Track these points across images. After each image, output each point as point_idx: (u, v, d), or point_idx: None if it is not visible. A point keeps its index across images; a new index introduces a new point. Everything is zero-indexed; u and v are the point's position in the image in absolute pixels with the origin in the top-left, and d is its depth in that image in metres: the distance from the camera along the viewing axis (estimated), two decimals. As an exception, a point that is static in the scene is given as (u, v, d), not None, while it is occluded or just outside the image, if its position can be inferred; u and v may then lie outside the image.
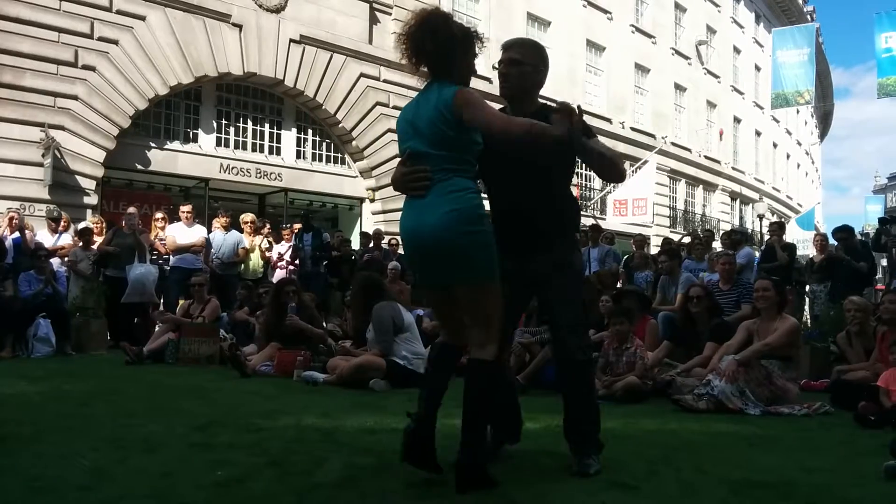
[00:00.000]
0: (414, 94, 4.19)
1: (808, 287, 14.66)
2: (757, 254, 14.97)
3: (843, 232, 13.24)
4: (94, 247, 12.75)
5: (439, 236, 3.69)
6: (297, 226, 15.79)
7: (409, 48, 3.94)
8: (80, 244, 12.63)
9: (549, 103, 4.21)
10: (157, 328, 11.18)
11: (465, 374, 3.83)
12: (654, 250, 18.55)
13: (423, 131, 3.81)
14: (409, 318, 8.42)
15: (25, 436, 4.78)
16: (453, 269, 3.75)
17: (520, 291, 4.25)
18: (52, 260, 12.01)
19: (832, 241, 14.11)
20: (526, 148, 3.86)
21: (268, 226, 15.64)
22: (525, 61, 4.22)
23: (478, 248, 3.71)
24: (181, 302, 12.21)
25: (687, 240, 16.13)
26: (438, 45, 3.84)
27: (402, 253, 3.93)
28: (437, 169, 3.76)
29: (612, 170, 4.30)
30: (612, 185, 27.79)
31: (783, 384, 6.92)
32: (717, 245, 16.36)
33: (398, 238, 17.88)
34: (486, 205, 3.91)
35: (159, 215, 14.28)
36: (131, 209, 13.48)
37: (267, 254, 14.79)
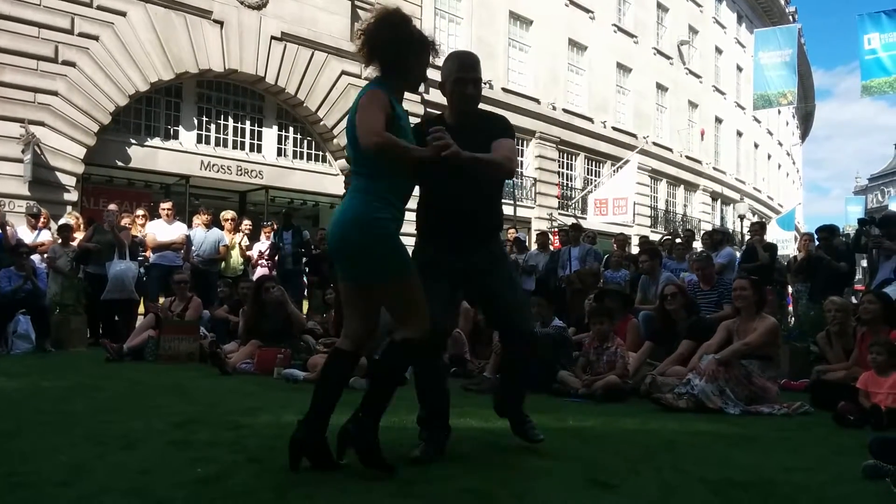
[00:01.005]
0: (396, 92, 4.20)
1: (790, 288, 14.72)
2: (738, 254, 15.00)
3: (825, 231, 13.28)
4: (74, 244, 12.66)
5: (346, 238, 3.85)
6: (275, 225, 15.78)
7: (365, 41, 4.00)
8: (59, 241, 12.54)
9: (482, 110, 4.62)
10: (137, 325, 11.13)
11: (386, 354, 4.08)
12: (635, 250, 18.58)
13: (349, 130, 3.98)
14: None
15: (4, 432, 4.76)
16: (365, 271, 3.91)
17: (458, 286, 4.55)
18: (32, 256, 11.92)
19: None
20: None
21: (247, 223, 15.56)
22: (483, 80, 4.51)
23: (382, 248, 3.82)
24: (162, 299, 12.17)
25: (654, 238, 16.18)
26: (393, 42, 3.94)
27: None
28: (352, 171, 3.97)
29: (495, 170, 4.36)
30: (593, 185, 27.91)
31: (763, 384, 6.94)
32: (697, 245, 16.42)
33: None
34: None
35: (140, 212, 14.19)
36: (112, 206, 13.41)
37: (248, 252, 14.73)
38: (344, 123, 21.02)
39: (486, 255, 4.47)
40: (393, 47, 3.95)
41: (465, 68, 4.41)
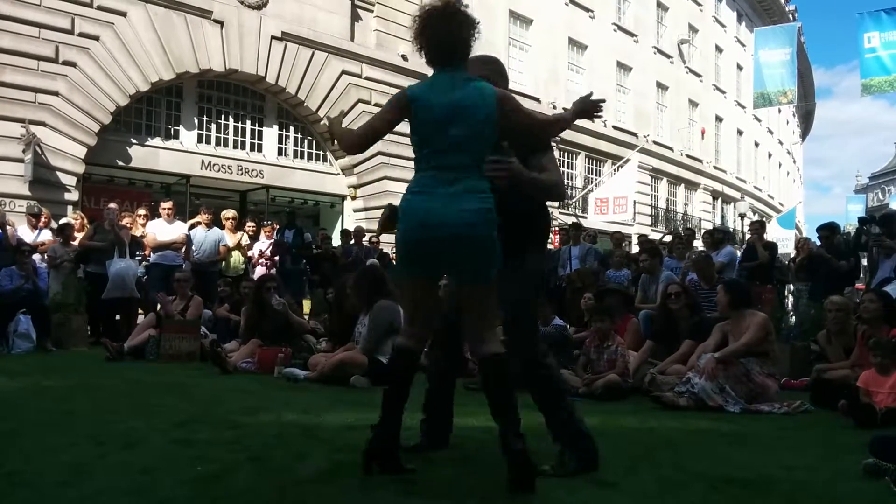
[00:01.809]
0: (396, 91, 4.19)
1: (791, 286, 14.70)
2: (739, 253, 14.99)
3: (826, 230, 13.25)
4: (75, 243, 12.67)
5: (471, 231, 3.69)
6: (276, 225, 15.81)
7: (430, 35, 3.87)
8: (60, 240, 12.54)
9: None
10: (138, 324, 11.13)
11: (487, 369, 3.88)
12: (635, 249, 18.60)
13: (465, 122, 3.76)
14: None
15: (5, 431, 4.76)
16: (476, 267, 3.78)
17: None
18: (33, 256, 11.92)
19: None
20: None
21: (250, 224, 15.59)
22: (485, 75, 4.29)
23: (496, 251, 3.76)
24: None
25: (667, 238, 16.18)
26: (467, 35, 3.87)
27: (402, 241, 3.74)
28: (470, 164, 3.76)
29: (548, 194, 4.30)
30: (594, 184, 27.95)
31: (762, 381, 6.95)
32: (698, 244, 16.41)
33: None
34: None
35: (141, 212, 14.20)
36: (112, 204, 13.41)
37: (249, 252, 14.74)
38: (344, 124, 21.14)
39: None
40: (468, 40, 3.91)
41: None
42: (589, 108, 4.28)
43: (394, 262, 15.95)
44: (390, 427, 3.85)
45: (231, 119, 20.59)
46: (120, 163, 18.12)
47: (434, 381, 4.62)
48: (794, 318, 12.65)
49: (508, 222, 3.84)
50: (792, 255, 16.83)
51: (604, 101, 4.27)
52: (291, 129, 21.86)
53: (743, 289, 7.76)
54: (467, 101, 3.77)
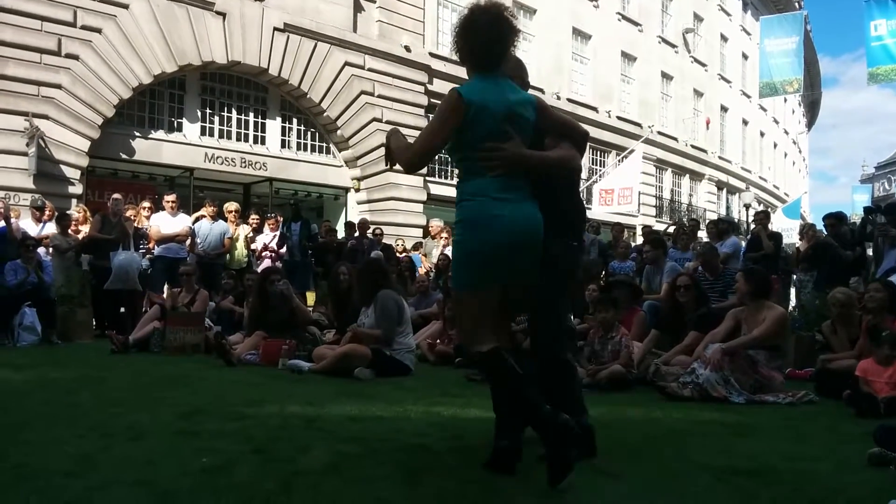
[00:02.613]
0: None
1: (794, 276, 14.67)
2: (743, 243, 14.97)
3: (833, 218, 13.23)
4: (79, 235, 12.71)
5: (538, 240, 3.81)
6: (279, 218, 15.83)
7: (479, 37, 3.84)
8: (59, 230, 12.55)
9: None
10: (143, 315, 11.16)
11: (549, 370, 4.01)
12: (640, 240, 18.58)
13: (520, 127, 3.81)
14: (409, 313, 8.48)
15: (11, 424, 4.77)
16: (534, 270, 3.86)
17: None
18: (38, 249, 11.95)
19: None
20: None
21: (254, 217, 15.61)
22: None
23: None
24: (167, 291, 12.19)
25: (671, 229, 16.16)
26: (512, 41, 3.91)
27: (478, 246, 3.56)
28: (521, 175, 3.83)
29: (560, 170, 4.18)
30: (598, 175, 27.90)
31: (768, 373, 6.95)
32: (702, 235, 16.39)
33: (382, 228, 17.93)
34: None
35: (146, 204, 14.23)
36: (116, 195, 13.42)
37: (252, 245, 14.75)
38: (347, 115, 21.23)
39: None
40: (511, 46, 3.96)
41: None
42: None
43: (408, 255, 15.96)
44: (514, 425, 3.90)
45: (234, 111, 20.57)
46: (123, 156, 18.12)
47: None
48: (798, 308, 12.65)
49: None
50: (797, 244, 16.79)
51: None
52: (294, 121, 21.83)
53: (764, 278, 7.71)
54: (520, 108, 3.81)
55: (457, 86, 3.85)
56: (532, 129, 3.85)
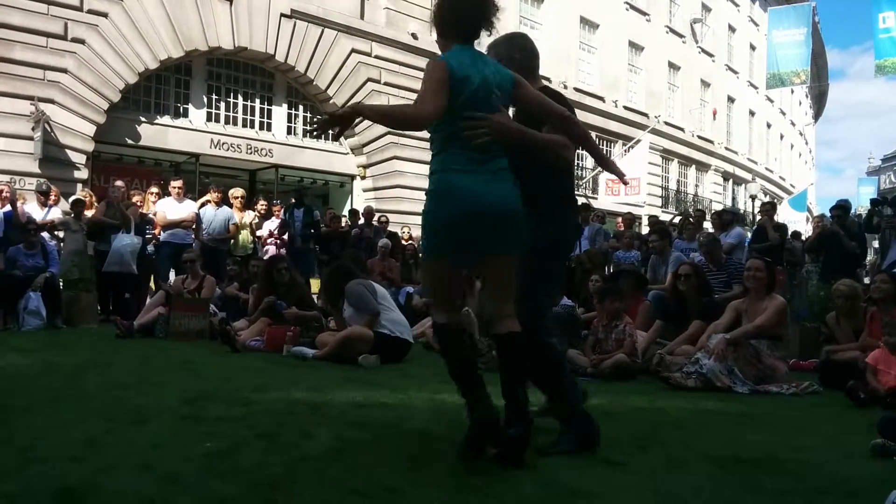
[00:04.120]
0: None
1: (804, 268, 14.67)
2: (748, 234, 14.95)
3: (839, 209, 13.21)
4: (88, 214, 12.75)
5: (517, 208, 3.79)
6: (281, 204, 15.85)
7: (459, 8, 3.87)
8: (72, 215, 12.59)
9: (549, 86, 4.43)
10: (147, 302, 11.18)
11: (503, 347, 3.89)
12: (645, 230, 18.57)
13: (495, 100, 3.81)
14: (381, 290, 8.50)
15: (17, 407, 4.79)
16: (516, 240, 3.85)
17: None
18: (42, 234, 11.96)
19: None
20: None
21: (262, 203, 15.61)
22: (498, 58, 4.22)
23: (524, 224, 3.84)
24: (173, 277, 12.20)
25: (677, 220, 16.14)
26: (492, 15, 3.88)
27: (435, 224, 3.69)
28: (494, 148, 3.82)
29: (548, 153, 4.16)
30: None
31: (772, 363, 6.95)
32: (707, 225, 16.37)
33: (388, 216, 17.89)
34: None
35: (154, 189, 14.23)
36: (118, 182, 13.43)
37: (258, 232, 14.76)
38: (353, 102, 21.15)
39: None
40: (492, 20, 3.93)
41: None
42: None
43: (413, 242, 15.95)
44: (518, 412, 3.82)
45: (240, 97, 20.58)
46: (129, 141, 18.14)
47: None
48: (803, 299, 12.63)
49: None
50: (805, 236, 16.78)
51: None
52: (301, 107, 21.81)
53: (774, 271, 7.73)
54: (497, 83, 3.80)
55: (438, 55, 3.88)
56: (508, 106, 3.89)
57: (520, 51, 4.36)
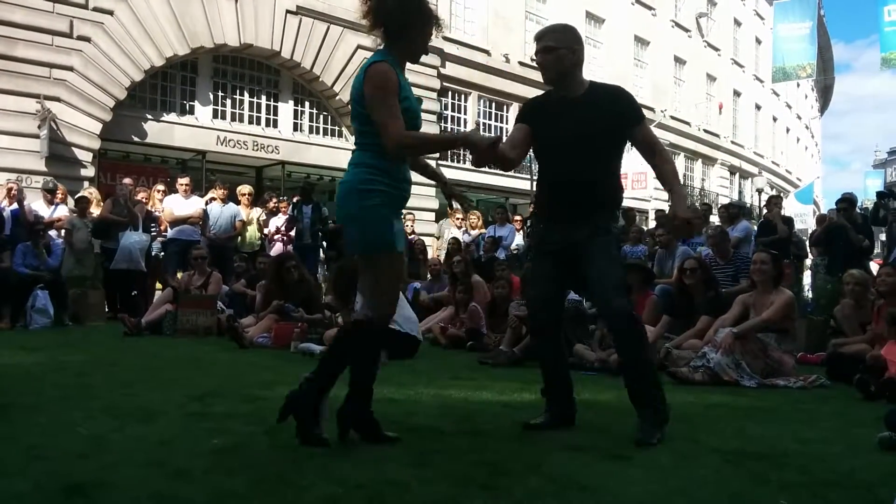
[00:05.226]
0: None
1: (810, 261, 14.64)
2: (755, 227, 14.92)
3: (845, 202, 13.18)
4: (93, 214, 12.76)
5: (340, 206, 3.96)
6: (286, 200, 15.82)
7: (371, 7, 3.99)
8: (76, 213, 12.62)
9: (597, 82, 4.65)
10: (155, 299, 11.20)
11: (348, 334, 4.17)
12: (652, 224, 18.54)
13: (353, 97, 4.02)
14: None
15: (24, 405, 4.80)
16: (350, 240, 4.03)
17: (562, 264, 4.47)
18: (49, 232, 12.00)
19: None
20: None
21: (274, 199, 15.60)
22: (559, 46, 4.42)
23: (367, 220, 3.83)
24: (180, 274, 12.22)
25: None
26: (398, 10, 3.93)
27: None
28: (358, 138, 3.99)
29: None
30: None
31: (779, 356, 6.94)
32: (714, 219, 16.34)
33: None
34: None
35: (160, 187, 14.25)
36: (126, 179, 13.46)
37: (265, 229, 14.75)
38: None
39: (588, 228, 4.35)
40: (399, 16, 3.93)
41: (535, 41, 4.58)
42: None
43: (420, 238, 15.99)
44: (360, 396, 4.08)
45: (246, 94, 20.58)
46: (135, 138, 18.16)
47: (549, 364, 4.68)
48: (810, 292, 12.62)
49: None
50: (811, 230, 16.75)
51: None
52: (307, 104, 21.83)
53: (782, 266, 7.72)
54: (358, 77, 4.02)
55: (378, 58, 4.01)
56: (357, 101, 4.03)
57: (578, 44, 4.51)
